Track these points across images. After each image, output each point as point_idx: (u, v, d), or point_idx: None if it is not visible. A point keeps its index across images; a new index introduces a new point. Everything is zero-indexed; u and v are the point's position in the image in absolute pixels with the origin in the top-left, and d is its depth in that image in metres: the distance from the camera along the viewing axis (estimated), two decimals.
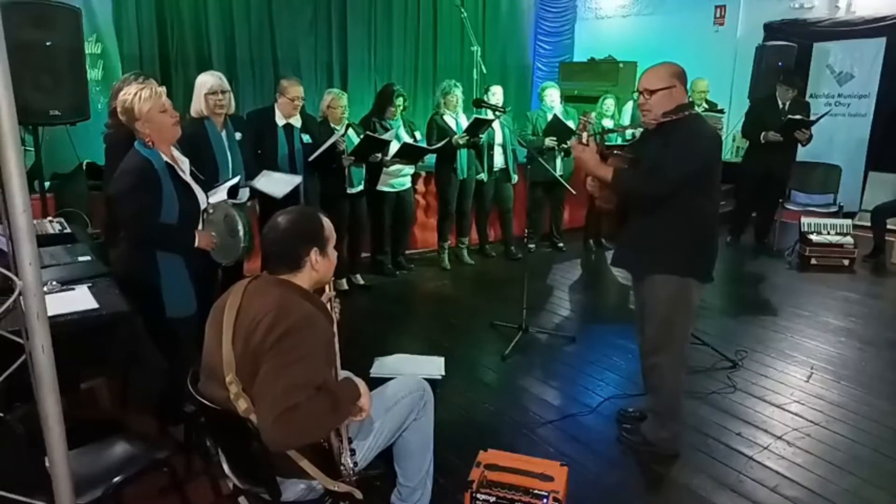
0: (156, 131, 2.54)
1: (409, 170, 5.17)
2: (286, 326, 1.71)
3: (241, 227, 2.80)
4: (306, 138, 4.30)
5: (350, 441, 1.95)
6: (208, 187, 2.90)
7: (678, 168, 2.51)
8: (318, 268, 1.90)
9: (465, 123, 5.28)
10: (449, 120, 5.26)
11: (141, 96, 2.51)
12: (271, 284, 1.88)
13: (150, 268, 2.62)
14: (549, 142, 5.52)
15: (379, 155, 4.68)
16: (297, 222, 1.90)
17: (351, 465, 1.92)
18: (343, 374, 2.16)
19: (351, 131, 4.62)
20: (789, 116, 5.77)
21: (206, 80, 3.50)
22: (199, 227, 2.76)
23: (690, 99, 6.04)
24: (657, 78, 2.58)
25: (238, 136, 3.65)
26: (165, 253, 2.64)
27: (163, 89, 2.62)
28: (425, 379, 2.29)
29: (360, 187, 4.86)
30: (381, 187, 5.04)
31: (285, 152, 4.15)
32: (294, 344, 1.70)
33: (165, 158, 2.60)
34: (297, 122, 4.25)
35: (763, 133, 5.92)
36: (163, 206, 2.57)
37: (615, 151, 2.84)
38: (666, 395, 2.83)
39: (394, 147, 4.87)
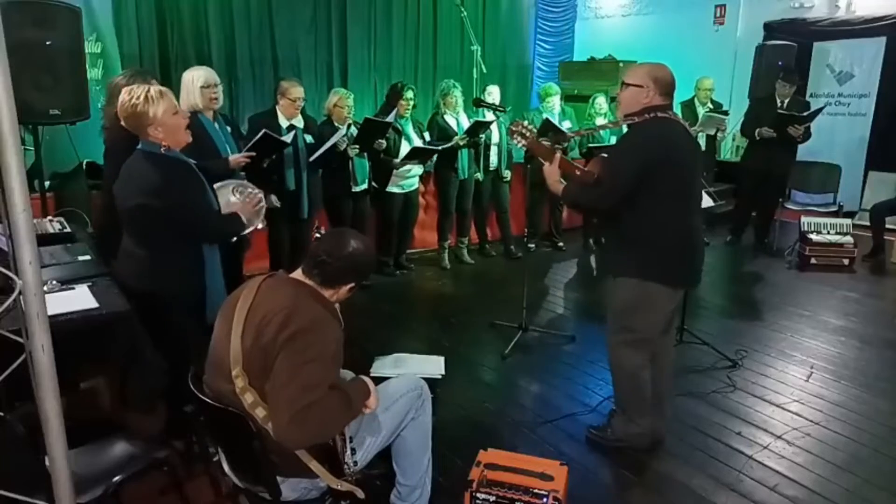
0: (169, 135, 2.40)
1: (419, 170, 5.18)
2: (298, 326, 1.74)
3: (252, 188, 2.93)
4: (309, 139, 4.33)
5: (350, 440, 1.96)
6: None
7: (615, 176, 2.57)
8: (340, 297, 1.98)
9: (465, 123, 5.28)
10: (450, 120, 5.26)
11: (152, 98, 2.34)
12: (287, 284, 1.91)
13: (199, 275, 2.54)
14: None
15: (382, 141, 4.69)
16: (362, 257, 1.95)
17: (352, 464, 1.93)
18: (344, 373, 2.17)
19: (353, 129, 4.63)
20: (779, 111, 5.76)
21: (198, 74, 3.47)
22: None
23: (694, 97, 5.95)
24: (633, 74, 2.62)
25: (229, 129, 3.66)
26: (210, 256, 2.57)
27: (168, 90, 2.52)
28: (425, 378, 2.30)
29: (364, 186, 4.87)
30: (391, 188, 5.05)
31: (289, 151, 4.16)
32: (307, 344, 1.73)
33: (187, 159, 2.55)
34: (299, 122, 4.27)
35: (757, 130, 5.91)
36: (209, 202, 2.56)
37: (602, 154, 2.88)
38: (624, 392, 2.86)
39: (404, 148, 4.88)
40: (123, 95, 2.37)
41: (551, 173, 2.76)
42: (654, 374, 2.85)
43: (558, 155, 2.79)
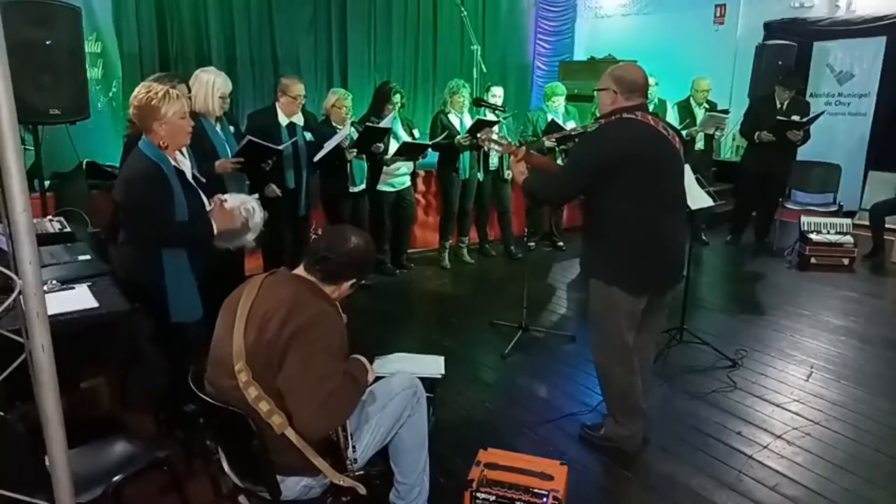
0: (171, 135, 2.48)
1: (408, 168, 5.17)
2: (302, 321, 1.77)
3: (258, 210, 2.87)
4: (309, 136, 4.31)
5: (351, 436, 1.98)
6: (207, 189, 2.88)
7: (566, 173, 2.67)
8: (342, 293, 2.01)
9: (469, 123, 5.27)
10: (454, 119, 5.26)
11: (170, 97, 2.44)
12: (288, 280, 1.94)
13: (155, 272, 2.54)
14: (549, 142, 5.52)
15: (381, 145, 4.69)
16: (363, 253, 1.99)
17: (353, 458, 1.96)
18: None
19: (353, 130, 4.63)
20: (779, 118, 5.77)
21: (221, 84, 3.46)
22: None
23: (690, 98, 5.95)
24: (602, 77, 2.68)
25: (231, 129, 3.67)
26: (171, 256, 2.57)
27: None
28: (426, 378, 2.31)
29: (362, 186, 4.87)
30: (381, 186, 5.05)
31: (290, 151, 4.15)
32: (314, 337, 1.78)
33: (173, 162, 2.57)
34: (299, 120, 4.26)
35: (757, 133, 5.92)
36: (175, 208, 2.53)
37: None
38: (610, 395, 2.87)
39: (393, 146, 4.88)
40: (140, 89, 2.44)
41: (516, 166, 2.84)
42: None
43: (522, 149, 2.85)
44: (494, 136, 3.01)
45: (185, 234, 2.59)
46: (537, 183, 2.79)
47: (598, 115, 2.80)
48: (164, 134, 2.46)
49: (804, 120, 5.80)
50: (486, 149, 3.06)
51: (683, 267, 2.89)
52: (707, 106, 6.20)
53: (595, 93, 2.70)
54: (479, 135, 3.02)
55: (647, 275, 2.64)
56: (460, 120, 5.30)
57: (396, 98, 4.91)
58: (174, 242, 2.58)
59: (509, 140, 2.99)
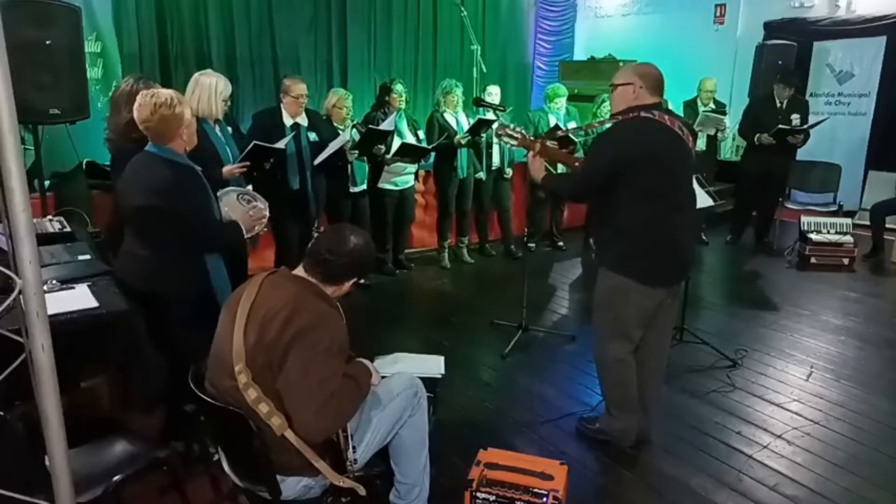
0: (190, 137, 2.46)
1: (413, 168, 5.17)
2: (303, 323, 1.78)
3: (257, 201, 2.92)
4: (313, 136, 4.28)
5: (351, 437, 1.98)
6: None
7: (583, 170, 2.69)
8: (342, 292, 2.01)
9: (464, 122, 5.28)
10: (449, 118, 5.26)
11: (182, 99, 2.39)
12: (289, 280, 1.94)
13: (202, 278, 2.54)
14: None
15: (382, 147, 4.68)
16: (364, 251, 1.99)
17: (353, 459, 1.96)
18: None
19: (354, 131, 4.63)
20: (780, 126, 5.75)
21: (222, 87, 3.43)
22: None
23: (696, 98, 5.97)
24: (621, 73, 2.68)
25: (229, 129, 3.66)
26: (214, 260, 2.58)
27: None
28: (426, 378, 2.31)
29: (363, 186, 4.87)
30: (383, 185, 5.04)
31: (292, 151, 4.14)
32: (316, 339, 1.78)
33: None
34: (303, 120, 4.24)
35: (756, 136, 5.92)
36: (213, 209, 2.56)
37: None
38: (606, 387, 2.89)
39: (395, 144, 4.88)
40: (154, 99, 2.34)
41: (533, 161, 2.85)
42: (644, 373, 2.84)
43: (538, 143, 2.86)
44: (510, 130, 3.00)
45: (227, 235, 2.61)
46: (559, 181, 2.92)
47: (610, 111, 2.81)
48: (186, 138, 2.44)
49: (805, 127, 5.80)
50: (501, 143, 3.06)
51: (692, 264, 2.92)
52: (713, 106, 6.21)
53: (611, 87, 2.68)
54: (493, 128, 3.04)
55: (660, 269, 2.66)
56: (455, 119, 5.30)
57: (398, 87, 4.92)
58: (219, 243, 2.60)
59: (524, 133, 2.98)
